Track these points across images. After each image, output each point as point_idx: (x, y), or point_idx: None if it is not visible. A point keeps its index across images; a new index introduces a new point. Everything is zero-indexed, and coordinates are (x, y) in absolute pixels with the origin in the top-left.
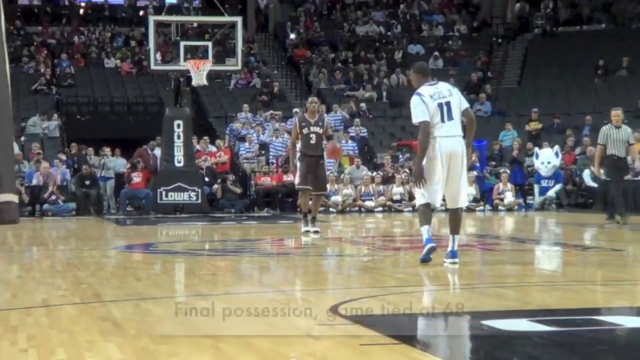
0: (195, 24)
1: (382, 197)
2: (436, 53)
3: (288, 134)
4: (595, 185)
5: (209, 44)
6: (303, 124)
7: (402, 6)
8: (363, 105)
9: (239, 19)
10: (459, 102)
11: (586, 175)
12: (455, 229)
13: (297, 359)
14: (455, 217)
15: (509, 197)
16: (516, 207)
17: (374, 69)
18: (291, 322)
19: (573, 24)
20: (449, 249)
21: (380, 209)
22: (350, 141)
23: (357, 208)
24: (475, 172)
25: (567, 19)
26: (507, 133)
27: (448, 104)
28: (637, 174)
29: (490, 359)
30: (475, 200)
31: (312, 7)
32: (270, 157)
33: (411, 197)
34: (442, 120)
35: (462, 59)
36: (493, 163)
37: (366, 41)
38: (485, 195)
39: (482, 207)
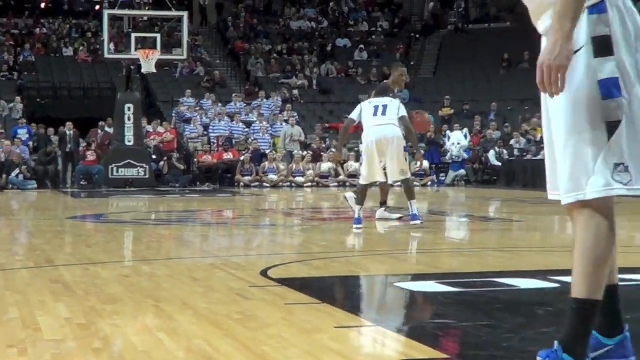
0: (145, 18)
1: (310, 173)
2: (361, 46)
3: (228, 117)
4: (499, 164)
5: (158, 35)
6: None
7: (331, 4)
8: (296, 92)
9: (185, 14)
10: (397, 109)
11: (491, 155)
12: (409, 196)
13: (228, 316)
14: (406, 188)
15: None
16: (430, 183)
17: (306, 60)
18: (225, 284)
19: (482, 22)
20: (410, 212)
21: (310, 184)
22: (284, 124)
23: (288, 184)
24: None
25: (476, 18)
26: None
27: (385, 106)
28: (536, 154)
29: (401, 316)
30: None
31: (251, 3)
32: (212, 137)
33: (337, 174)
34: (375, 115)
35: (384, 52)
36: (409, 144)
37: (299, 35)
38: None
39: (400, 183)
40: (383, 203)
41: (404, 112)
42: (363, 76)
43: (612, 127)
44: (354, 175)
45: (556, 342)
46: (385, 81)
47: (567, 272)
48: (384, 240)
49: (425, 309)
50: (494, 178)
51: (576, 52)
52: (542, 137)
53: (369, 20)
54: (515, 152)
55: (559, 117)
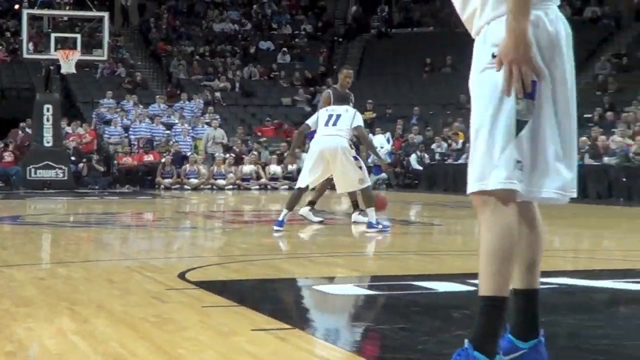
0: (65, 18)
1: (232, 175)
2: (284, 49)
3: (149, 118)
4: (420, 168)
5: (78, 36)
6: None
7: (254, 6)
8: (218, 94)
9: (106, 14)
10: (351, 118)
11: (412, 159)
12: (367, 204)
13: (144, 319)
14: (364, 195)
15: None
16: None
17: (228, 62)
18: (142, 287)
19: (405, 26)
20: (368, 220)
21: (231, 187)
22: (205, 126)
23: (209, 186)
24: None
25: (399, 22)
26: None
27: (338, 116)
28: (457, 158)
29: (319, 319)
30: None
31: (175, 6)
32: (132, 139)
33: (259, 177)
34: (326, 125)
35: (307, 55)
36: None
37: (222, 37)
38: None
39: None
40: (311, 203)
41: (359, 121)
42: (286, 79)
43: (521, 125)
44: (275, 179)
45: (466, 340)
46: (346, 90)
47: None
48: (304, 243)
49: (343, 312)
50: (415, 182)
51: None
52: (463, 142)
53: (292, 23)
54: (437, 157)
55: (474, 108)
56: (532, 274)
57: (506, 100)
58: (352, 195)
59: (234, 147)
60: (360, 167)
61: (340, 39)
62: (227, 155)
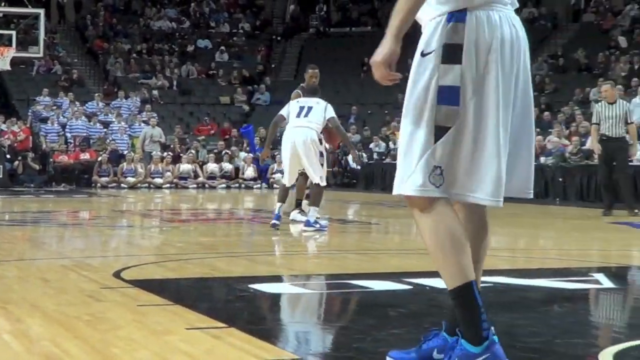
0: (0, 14)
1: (169, 174)
2: (222, 47)
3: (86, 117)
4: (358, 167)
5: (13, 32)
6: None
7: (192, 4)
8: (155, 92)
9: (41, 11)
10: (323, 111)
11: (350, 158)
12: (312, 202)
13: (78, 318)
14: (313, 192)
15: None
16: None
17: (166, 60)
18: (77, 286)
19: (343, 25)
20: (306, 217)
21: (168, 185)
22: (143, 124)
23: (146, 185)
24: (251, 154)
25: (338, 21)
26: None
27: (310, 108)
28: (395, 158)
29: (253, 318)
30: (253, 179)
31: (112, 3)
32: (69, 137)
33: (196, 175)
34: (298, 116)
35: (245, 54)
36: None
37: (159, 35)
38: (262, 175)
39: (259, 185)
40: (298, 203)
41: (331, 113)
42: (224, 77)
43: (440, 132)
44: (213, 177)
45: (458, 331)
46: (313, 84)
47: (421, 274)
48: (241, 242)
49: (279, 311)
50: (353, 181)
51: (427, 54)
52: None
53: (230, 21)
54: (375, 156)
55: (403, 111)
56: (476, 267)
57: (426, 107)
58: (299, 193)
59: (172, 146)
60: (322, 165)
61: (279, 38)
62: (165, 154)
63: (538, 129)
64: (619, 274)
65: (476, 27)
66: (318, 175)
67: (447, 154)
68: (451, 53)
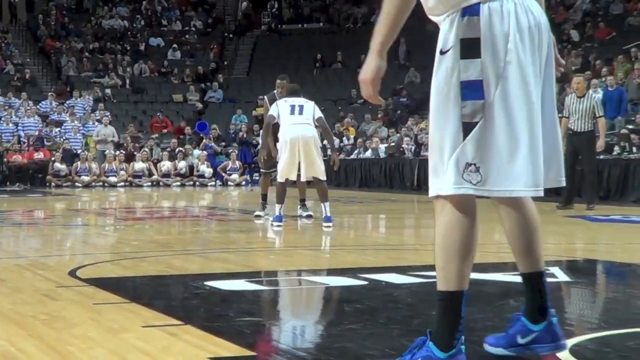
0: None
1: (123, 173)
2: (175, 45)
3: (39, 116)
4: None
5: None
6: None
7: (144, 3)
8: (108, 91)
9: None
10: (312, 110)
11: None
12: (323, 198)
13: (33, 317)
14: (321, 189)
15: (236, 174)
16: (243, 182)
17: (118, 58)
18: (32, 285)
19: (295, 22)
20: (323, 215)
21: (123, 184)
22: (96, 123)
23: (101, 183)
24: (205, 152)
25: (290, 18)
26: (238, 117)
27: (301, 106)
28: (349, 154)
29: (210, 315)
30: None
31: (63, 2)
32: (22, 136)
33: (150, 174)
34: (292, 113)
35: (197, 52)
36: (223, 143)
37: (111, 33)
38: (217, 172)
39: (213, 183)
40: (302, 201)
41: (319, 113)
42: (177, 75)
43: (468, 128)
44: (167, 175)
45: (428, 332)
46: (292, 84)
47: (377, 270)
48: (196, 240)
49: (234, 307)
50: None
51: (445, 52)
52: (355, 137)
53: (182, 19)
54: (329, 152)
55: (430, 111)
56: (531, 257)
57: (451, 104)
58: (301, 191)
59: (125, 144)
60: (322, 160)
61: (231, 35)
62: (118, 152)
63: None
64: (573, 267)
65: (490, 18)
66: (323, 170)
67: (478, 148)
68: (469, 48)
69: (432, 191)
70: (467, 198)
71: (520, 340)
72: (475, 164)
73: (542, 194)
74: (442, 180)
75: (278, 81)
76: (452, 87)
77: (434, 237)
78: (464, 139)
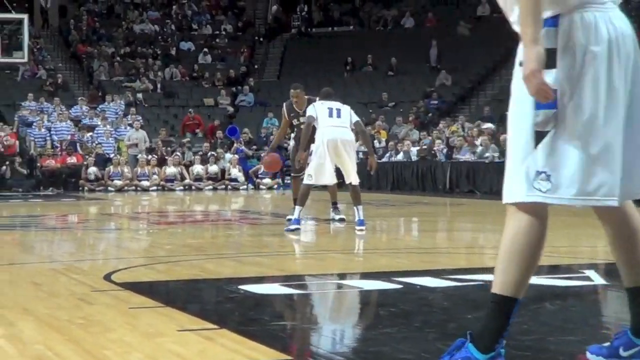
0: None
1: (155, 177)
2: (205, 49)
3: (71, 120)
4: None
5: None
6: (292, 115)
7: (174, 7)
8: (139, 95)
9: (25, 16)
10: (349, 114)
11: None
12: (356, 202)
13: (70, 321)
14: (355, 192)
15: (268, 177)
16: (275, 186)
17: (149, 63)
18: (68, 289)
19: (325, 25)
20: (356, 218)
21: (155, 188)
22: (128, 127)
23: (133, 187)
24: (237, 156)
25: (320, 21)
26: (269, 121)
27: (339, 110)
28: (381, 157)
29: (244, 319)
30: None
31: (94, 7)
32: (55, 140)
33: (182, 178)
34: (330, 116)
35: (228, 55)
36: (255, 147)
37: (142, 38)
38: (248, 176)
39: (245, 186)
40: (334, 204)
41: (356, 117)
42: (207, 79)
43: (539, 136)
44: (199, 179)
45: (468, 333)
46: (326, 88)
47: (411, 273)
48: (229, 243)
49: (268, 311)
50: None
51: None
52: (386, 140)
53: (213, 23)
54: (360, 155)
55: (507, 120)
56: (635, 269)
57: (526, 113)
58: (333, 194)
59: (156, 149)
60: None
61: (261, 39)
62: (150, 157)
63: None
64: (609, 271)
65: (570, 30)
66: (355, 175)
67: (549, 157)
68: (546, 57)
69: (505, 197)
70: (539, 206)
71: (622, 353)
72: (545, 172)
73: (616, 203)
74: (515, 187)
75: (292, 91)
76: (527, 96)
77: (502, 240)
78: (535, 147)
